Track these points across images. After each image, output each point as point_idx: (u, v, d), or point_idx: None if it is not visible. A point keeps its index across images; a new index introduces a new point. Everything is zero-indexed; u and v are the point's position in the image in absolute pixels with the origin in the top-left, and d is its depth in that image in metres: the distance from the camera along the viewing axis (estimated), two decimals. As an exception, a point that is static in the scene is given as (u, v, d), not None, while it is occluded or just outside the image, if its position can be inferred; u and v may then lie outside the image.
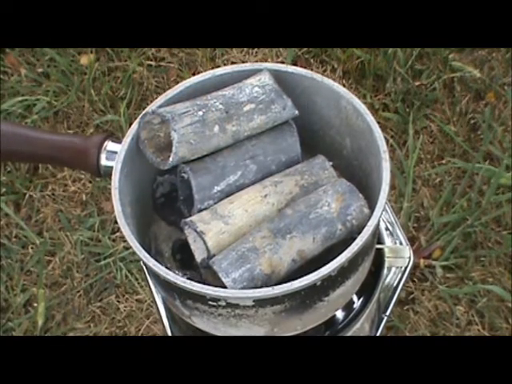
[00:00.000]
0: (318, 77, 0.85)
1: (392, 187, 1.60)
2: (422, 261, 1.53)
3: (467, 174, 1.59)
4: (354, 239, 0.74)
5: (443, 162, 1.66)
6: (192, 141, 0.78)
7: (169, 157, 0.78)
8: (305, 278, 0.72)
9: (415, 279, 1.53)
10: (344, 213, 0.77)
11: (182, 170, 0.80)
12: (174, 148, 0.77)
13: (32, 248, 1.59)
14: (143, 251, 0.75)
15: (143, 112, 0.81)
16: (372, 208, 0.77)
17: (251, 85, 0.82)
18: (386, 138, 1.61)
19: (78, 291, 1.55)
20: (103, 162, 0.88)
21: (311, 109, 0.87)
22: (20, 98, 1.78)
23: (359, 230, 0.75)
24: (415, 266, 1.53)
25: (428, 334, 1.47)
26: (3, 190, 1.66)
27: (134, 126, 0.82)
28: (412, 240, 1.55)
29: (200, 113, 0.79)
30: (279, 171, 0.82)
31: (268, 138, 0.83)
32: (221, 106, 0.80)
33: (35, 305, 1.52)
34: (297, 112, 0.83)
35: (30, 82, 1.83)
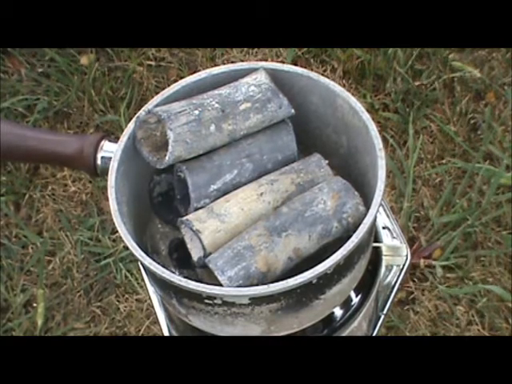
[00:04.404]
0: (314, 75, 0.85)
1: (392, 187, 1.61)
2: (422, 261, 1.53)
3: (467, 174, 1.59)
4: (350, 237, 0.74)
5: (443, 161, 1.67)
6: (188, 140, 0.78)
7: (165, 156, 0.78)
8: (300, 275, 0.72)
9: (415, 279, 1.53)
10: (340, 211, 0.77)
11: (179, 169, 0.81)
12: (170, 147, 0.77)
13: (32, 248, 1.60)
14: (139, 250, 0.75)
15: (139, 111, 0.81)
16: (368, 206, 0.77)
17: (247, 84, 0.82)
18: (385, 138, 1.64)
19: (78, 291, 1.55)
20: (100, 161, 0.88)
21: (307, 107, 0.87)
22: (20, 97, 1.78)
23: (355, 227, 0.75)
24: (415, 266, 1.53)
25: (428, 334, 1.47)
26: (3, 190, 1.67)
27: (131, 125, 0.82)
28: (412, 240, 1.55)
29: (196, 112, 0.79)
30: (275, 170, 0.82)
31: (264, 136, 0.83)
32: (217, 105, 0.80)
33: (35, 305, 1.52)
34: (293, 111, 0.83)
35: (30, 81, 1.83)
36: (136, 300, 1.53)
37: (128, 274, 1.55)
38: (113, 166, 0.81)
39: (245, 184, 0.81)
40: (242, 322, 0.77)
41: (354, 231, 0.75)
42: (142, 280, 1.51)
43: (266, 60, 1.80)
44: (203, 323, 0.80)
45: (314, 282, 0.74)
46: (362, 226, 0.75)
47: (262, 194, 0.79)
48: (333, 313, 0.90)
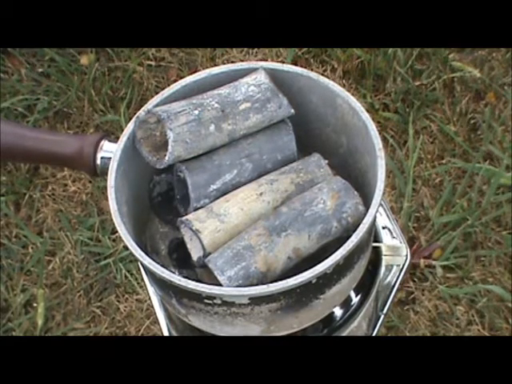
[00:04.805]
0: (313, 75, 0.85)
1: (392, 187, 1.61)
2: (422, 261, 1.53)
3: (467, 174, 1.60)
4: (350, 237, 0.74)
5: (443, 161, 1.67)
6: (188, 140, 0.78)
7: (165, 156, 0.78)
8: (300, 275, 0.72)
9: (415, 279, 1.53)
10: (339, 210, 0.77)
11: (178, 169, 0.81)
12: (169, 147, 0.77)
13: (32, 248, 1.60)
14: (139, 250, 0.75)
15: (139, 111, 0.81)
16: (368, 206, 0.77)
17: (247, 84, 0.82)
18: (386, 138, 1.64)
19: (78, 291, 1.55)
20: (99, 161, 0.88)
21: (307, 107, 0.87)
22: (20, 97, 1.78)
23: (354, 227, 0.75)
24: (415, 266, 1.53)
25: (428, 334, 1.47)
26: (3, 190, 1.67)
27: (130, 125, 0.82)
28: (412, 240, 1.55)
29: (196, 112, 0.79)
30: (275, 169, 0.82)
31: (264, 136, 0.83)
32: (217, 105, 0.80)
33: (35, 305, 1.52)
34: (292, 111, 0.83)
35: (30, 81, 1.83)
36: (136, 300, 1.53)
37: (128, 274, 1.55)
38: (112, 166, 0.81)
39: (244, 184, 0.81)
40: (242, 321, 0.77)
41: (354, 231, 0.75)
42: (142, 280, 1.51)
43: (266, 60, 1.80)
44: (203, 323, 0.80)
45: (314, 281, 0.74)
46: (361, 225, 0.75)
47: (261, 193, 0.79)
48: (333, 312, 0.90)
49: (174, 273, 0.77)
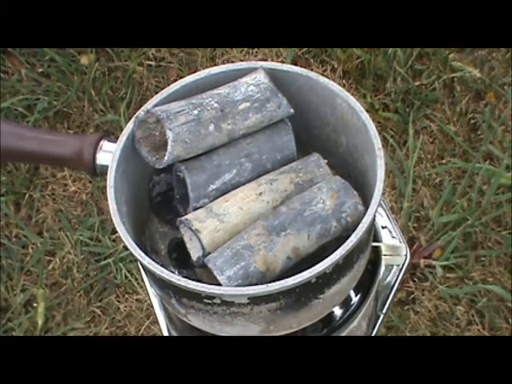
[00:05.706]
0: (313, 75, 0.85)
1: (392, 187, 1.61)
2: (422, 261, 1.53)
3: (467, 174, 1.59)
4: (349, 237, 0.74)
5: (443, 161, 1.67)
6: (187, 140, 0.78)
7: (164, 156, 0.78)
8: (299, 275, 0.72)
9: (415, 279, 1.53)
10: (339, 210, 0.77)
11: (178, 169, 0.81)
12: (169, 147, 0.77)
13: (32, 248, 1.60)
14: (138, 250, 0.75)
15: (139, 111, 0.81)
16: (367, 206, 0.77)
17: (246, 83, 0.82)
18: (385, 138, 1.64)
19: (78, 291, 1.55)
20: (99, 161, 0.88)
21: (306, 107, 0.87)
22: (20, 97, 1.78)
23: (354, 227, 0.75)
24: (415, 266, 1.53)
25: (428, 334, 1.47)
26: (3, 190, 1.67)
27: (130, 125, 0.82)
28: (412, 240, 1.55)
29: (195, 112, 0.79)
30: (274, 169, 0.82)
31: (263, 136, 0.83)
32: (216, 105, 0.80)
33: (35, 305, 1.52)
34: (292, 110, 0.83)
35: (30, 81, 1.83)
36: (136, 300, 1.53)
37: (128, 274, 1.55)
38: (112, 166, 0.81)
39: (244, 184, 0.81)
40: (241, 321, 0.77)
41: (353, 230, 0.75)
42: (142, 280, 1.51)
43: (266, 60, 1.80)
44: (202, 323, 0.80)
45: (313, 281, 0.74)
46: (360, 225, 0.75)
47: (261, 193, 0.79)
48: (332, 312, 0.90)
49: (173, 273, 0.77)
